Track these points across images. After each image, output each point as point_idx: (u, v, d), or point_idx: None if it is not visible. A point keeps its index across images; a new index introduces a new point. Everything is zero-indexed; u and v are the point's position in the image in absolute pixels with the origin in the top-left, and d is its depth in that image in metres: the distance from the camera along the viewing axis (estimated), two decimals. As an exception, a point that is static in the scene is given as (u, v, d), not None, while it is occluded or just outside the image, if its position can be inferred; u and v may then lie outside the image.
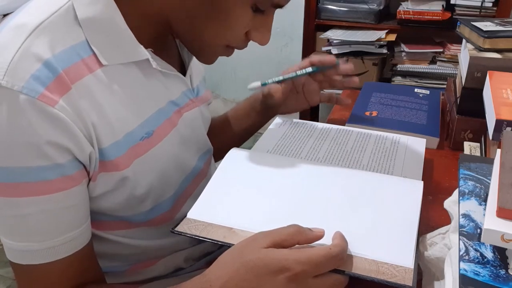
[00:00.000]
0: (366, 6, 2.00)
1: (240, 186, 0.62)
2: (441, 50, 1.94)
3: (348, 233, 0.50)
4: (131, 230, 0.65)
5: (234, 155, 0.68)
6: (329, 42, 2.05)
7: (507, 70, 0.77)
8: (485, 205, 0.43)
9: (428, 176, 0.75)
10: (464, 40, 0.92)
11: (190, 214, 0.57)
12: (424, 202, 0.59)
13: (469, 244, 0.40)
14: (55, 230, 0.53)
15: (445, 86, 1.10)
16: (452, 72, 1.90)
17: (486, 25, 0.86)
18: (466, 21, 0.92)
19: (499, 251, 0.39)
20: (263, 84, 0.82)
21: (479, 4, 1.79)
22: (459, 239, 0.41)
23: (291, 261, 0.46)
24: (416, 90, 1.07)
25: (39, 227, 0.52)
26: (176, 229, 0.55)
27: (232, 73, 2.60)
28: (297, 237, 0.48)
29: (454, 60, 1.90)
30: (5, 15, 0.56)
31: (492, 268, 0.38)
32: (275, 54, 2.49)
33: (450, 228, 0.48)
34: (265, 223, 0.52)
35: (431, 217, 0.65)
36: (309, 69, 0.82)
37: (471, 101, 0.82)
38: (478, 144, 0.78)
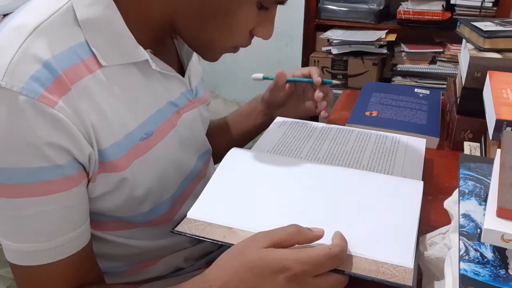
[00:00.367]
0: (366, 6, 2.00)
1: (240, 186, 0.62)
2: (441, 50, 1.94)
3: (348, 233, 0.50)
4: (130, 230, 0.65)
5: (234, 155, 0.68)
6: (329, 42, 2.05)
7: (507, 70, 0.77)
8: (485, 205, 0.43)
9: (428, 176, 0.75)
10: (464, 40, 0.92)
11: (190, 214, 0.57)
12: (424, 202, 0.59)
13: (469, 244, 0.40)
14: (55, 231, 0.53)
15: (445, 86, 1.10)
16: (452, 72, 1.90)
17: (486, 25, 0.86)
18: (466, 21, 0.92)
19: (499, 251, 0.39)
20: (264, 78, 0.86)
21: (479, 4, 1.79)
22: (459, 239, 0.41)
23: (291, 261, 0.46)
24: (416, 90, 1.07)
25: (38, 228, 0.52)
26: (176, 229, 0.55)
27: (232, 73, 2.60)
28: (296, 237, 0.48)
29: (454, 60, 1.90)
30: (5, 15, 0.56)
31: (492, 268, 0.38)
32: (275, 54, 2.49)
33: (450, 228, 0.48)
34: (265, 223, 0.52)
35: (431, 217, 0.65)
36: (310, 79, 0.84)
37: (471, 101, 0.82)
38: (478, 144, 0.78)
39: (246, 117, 0.91)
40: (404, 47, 1.97)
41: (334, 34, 2.00)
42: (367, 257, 0.49)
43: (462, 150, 0.77)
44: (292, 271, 0.46)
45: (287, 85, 0.86)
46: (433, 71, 1.94)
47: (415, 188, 0.60)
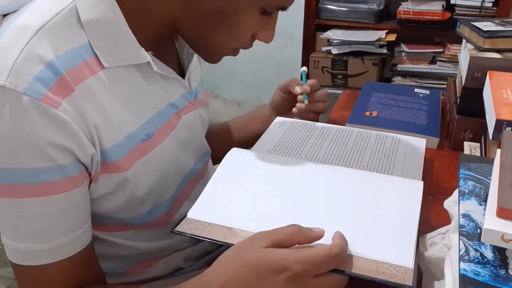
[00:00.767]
0: (366, 6, 2.00)
1: (240, 186, 0.62)
2: (441, 50, 1.94)
3: (348, 233, 0.50)
4: (130, 231, 0.65)
5: (234, 155, 0.68)
6: (329, 42, 2.05)
7: (507, 70, 0.77)
8: (485, 205, 0.43)
9: (428, 176, 0.75)
10: (464, 40, 0.92)
11: (190, 214, 0.57)
12: (424, 202, 0.59)
13: (469, 244, 0.40)
14: (57, 231, 0.53)
15: (445, 86, 1.10)
16: (452, 72, 1.90)
17: (486, 25, 0.86)
18: (466, 21, 0.92)
19: (499, 251, 0.39)
20: (302, 73, 0.92)
21: (479, 4, 1.79)
22: (459, 239, 0.41)
23: (291, 261, 0.46)
24: (416, 90, 1.07)
25: (41, 228, 0.52)
26: (176, 229, 0.55)
27: (232, 73, 2.60)
28: (297, 237, 0.48)
29: (454, 60, 1.90)
30: (5, 15, 0.56)
31: (492, 268, 0.38)
32: (275, 54, 2.49)
33: (450, 228, 0.48)
34: (265, 223, 0.52)
35: (431, 217, 0.65)
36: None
37: (471, 101, 0.82)
38: (478, 144, 0.78)
39: (247, 123, 0.93)
40: (404, 47, 1.97)
41: (334, 34, 2.00)
42: (367, 257, 0.49)
43: (462, 150, 0.78)
44: (292, 271, 0.46)
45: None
46: (433, 71, 1.94)
47: (415, 188, 0.60)
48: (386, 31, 1.97)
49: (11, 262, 0.54)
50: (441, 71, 1.93)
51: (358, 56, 1.98)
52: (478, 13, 1.80)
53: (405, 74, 1.99)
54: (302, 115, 0.89)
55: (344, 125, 0.88)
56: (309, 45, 2.14)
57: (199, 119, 0.72)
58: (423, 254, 0.51)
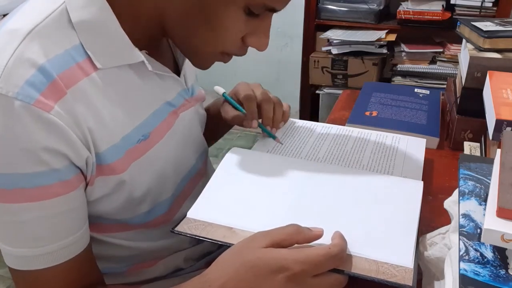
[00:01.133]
0: (366, 6, 2.00)
1: (240, 185, 0.62)
2: (441, 50, 1.94)
3: (347, 232, 0.50)
4: (129, 232, 0.65)
5: (234, 154, 0.68)
6: (329, 42, 2.05)
7: (507, 70, 0.77)
8: (485, 205, 0.43)
9: (428, 176, 0.75)
10: (464, 40, 0.92)
11: (190, 214, 0.57)
12: (424, 202, 0.59)
13: (469, 244, 0.40)
14: (54, 235, 0.52)
15: (445, 86, 1.10)
16: (452, 72, 1.90)
17: (486, 25, 0.86)
18: (466, 21, 0.92)
19: (499, 251, 0.39)
20: (223, 95, 0.80)
21: (479, 4, 1.79)
22: (459, 239, 0.41)
23: (290, 261, 0.46)
24: (416, 90, 1.07)
25: (37, 233, 0.51)
26: (176, 229, 0.55)
27: (232, 73, 2.60)
28: (296, 237, 0.48)
29: (454, 60, 1.90)
30: (5, 15, 0.56)
31: (492, 268, 0.38)
32: (275, 54, 2.49)
33: (450, 228, 0.48)
34: (265, 223, 0.52)
35: (431, 217, 0.65)
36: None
37: (471, 101, 0.82)
38: (478, 144, 0.78)
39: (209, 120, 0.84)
40: (404, 47, 1.98)
41: (334, 34, 2.00)
42: (367, 257, 0.49)
43: (462, 150, 0.77)
44: (291, 270, 0.46)
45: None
46: (433, 71, 1.94)
47: (415, 188, 0.60)
48: (386, 31, 1.98)
49: (9, 267, 0.54)
50: (441, 71, 1.93)
51: (358, 56, 1.98)
52: (478, 13, 1.80)
53: (405, 74, 1.99)
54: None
55: (344, 125, 0.88)
56: (309, 45, 2.15)
57: (197, 117, 0.72)
58: (423, 254, 0.51)
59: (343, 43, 1.98)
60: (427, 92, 1.06)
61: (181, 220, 0.56)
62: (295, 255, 0.46)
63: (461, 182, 0.48)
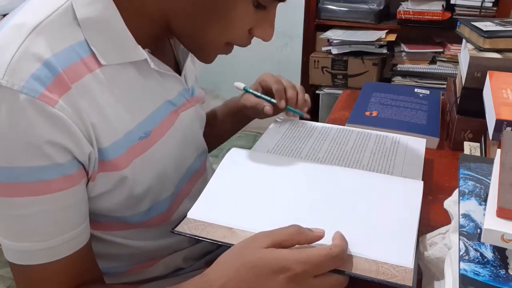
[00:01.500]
0: (366, 6, 2.00)
1: (240, 186, 0.62)
2: (441, 50, 1.94)
3: (348, 233, 0.50)
4: (129, 231, 0.65)
5: (234, 154, 0.68)
6: (329, 42, 2.05)
7: (507, 70, 0.77)
8: (485, 205, 0.43)
9: (428, 176, 0.75)
10: (464, 40, 0.92)
11: (190, 214, 0.57)
12: (424, 202, 0.59)
13: (469, 244, 0.40)
14: (54, 230, 0.53)
15: (445, 86, 1.10)
16: (452, 72, 1.90)
17: (486, 25, 0.86)
18: (466, 21, 0.92)
19: (499, 251, 0.39)
20: (245, 89, 0.86)
21: (479, 4, 1.79)
22: (459, 239, 0.41)
23: (291, 261, 0.46)
24: (416, 90, 1.07)
25: (38, 227, 0.52)
26: (176, 229, 0.55)
27: (232, 73, 2.60)
28: (297, 237, 0.48)
29: (454, 60, 1.90)
30: (4, 15, 0.56)
31: (492, 268, 0.38)
32: (275, 54, 2.50)
33: (450, 228, 0.48)
34: (265, 223, 0.52)
35: (431, 217, 0.65)
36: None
37: (471, 101, 0.82)
38: (478, 144, 0.78)
39: (224, 119, 0.90)
40: (404, 47, 1.98)
41: (334, 34, 2.00)
42: (367, 257, 0.49)
43: (462, 150, 0.78)
44: (292, 271, 0.46)
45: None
46: (433, 71, 1.94)
47: (415, 188, 0.60)
48: (386, 31, 1.98)
49: (9, 262, 0.54)
50: (441, 71, 1.93)
51: (358, 56, 1.98)
52: (478, 13, 1.80)
53: (405, 74, 1.99)
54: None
55: (344, 125, 0.88)
56: (309, 45, 2.15)
57: (197, 117, 0.72)
58: (423, 254, 0.51)
59: (343, 43, 1.98)
60: (427, 92, 1.06)
61: (181, 220, 0.56)
62: (296, 255, 0.46)
63: (461, 182, 0.48)
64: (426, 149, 0.77)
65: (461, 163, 0.52)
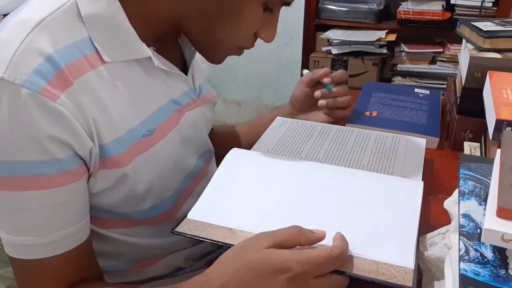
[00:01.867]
0: (366, 6, 2.00)
1: (240, 186, 0.62)
2: (441, 50, 1.94)
3: (348, 233, 0.50)
4: (131, 228, 0.65)
5: (234, 155, 0.68)
6: (329, 42, 2.05)
7: (507, 70, 0.77)
8: (485, 205, 0.43)
9: (428, 176, 0.75)
10: (464, 40, 0.92)
11: (190, 215, 0.57)
12: (424, 202, 0.59)
13: (469, 244, 0.40)
14: (55, 225, 0.53)
15: (445, 86, 1.10)
16: (452, 72, 1.90)
17: (486, 25, 0.86)
18: (466, 21, 0.92)
19: (499, 251, 0.39)
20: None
21: (479, 4, 1.79)
22: (459, 239, 0.41)
23: (292, 262, 0.46)
24: (416, 90, 1.07)
25: (38, 222, 0.52)
26: (176, 229, 0.55)
27: (232, 73, 2.60)
28: (298, 238, 0.48)
29: (454, 60, 1.90)
30: (5, 15, 0.56)
31: (492, 268, 0.38)
32: (275, 54, 2.49)
33: (450, 228, 0.48)
34: (266, 224, 0.52)
35: (431, 217, 0.65)
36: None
37: (471, 101, 0.82)
38: (478, 144, 0.78)
39: (258, 127, 0.89)
40: (404, 47, 1.97)
41: (334, 34, 2.00)
42: (367, 258, 0.49)
43: (462, 150, 0.77)
44: (293, 271, 0.46)
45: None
46: (433, 71, 1.94)
47: (415, 188, 0.60)
48: (386, 31, 1.98)
49: (9, 257, 0.54)
50: (441, 71, 1.93)
51: (358, 56, 1.98)
52: (478, 13, 1.80)
53: (405, 74, 1.99)
54: (329, 109, 0.86)
55: (344, 125, 0.88)
56: (309, 45, 2.15)
57: (202, 117, 0.72)
58: (423, 254, 0.51)
59: (343, 43, 1.98)
60: (427, 92, 1.06)
61: (181, 221, 0.56)
62: (297, 256, 0.46)
63: (461, 182, 0.48)
64: (426, 149, 0.77)
65: (461, 163, 0.52)
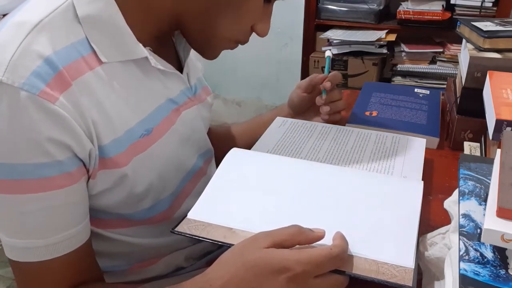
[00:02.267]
0: (366, 6, 2.00)
1: (240, 186, 0.62)
2: (441, 50, 1.94)
3: (348, 233, 0.50)
4: (131, 228, 0.65)
5: (234, 155, 0.68)
6: (329, 42, 2.05)
7: (507, 70, 0.77)
8: (485, 205, 0.43)
9: (428, 176, 0.75)
10: (464, 40, 0.92)
11: (190, 214, 0.57)
12: (424, 202, 0.59)
13: (469, 244, 0.40)
14: (55, 227, 0.53)
15: (445, 86, 1.10)
16: (452, 72, 1.90)
17: (486, 25, 0.86)
18: (466, 21, 0.92)
19: (499, 251, 0.39)
20: (327, 58, 0.88)
21: (479, 4, 1.79)
22: (459, 239, 0.41)
23: (292, 261, 0.46)
24: (416, 90, 1.07)
25: (38, 224, 0.52)
26: (176, 229, 0.55)
27: (232, 73, 2.60)
28: (298, 238, 0.48)
29: (454, 60, 1.90)
30: (4, 15, 0.56)
31: (492, 268, 0.38)
32: (275, 54, 2.49)
33: (450, 228, 0.48)
34: (266, 223, 0.52)
35: (431, 217, 0.65)
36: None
37: (471, 101, 0.82)
38: (478, 144, 0.78)
39: (257, 127, 0.90)
40: (404, 47, 1.98)
41: (334, 34, 2.00)
42: (367, 258, 0.49)
43: (462, 150, 0.77)
44: (293, 271, 0.46)
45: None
46: (433, 71, 1.94)
47: (415, 188, 0.60)
48: (386, 31, 1.98)
49: (9, 260, 0.54)
50: (441, 71, 1.93)
51: (358, 56, 1.98)
52: (478, 13, 1.80)
53: (405, 74, 1.99)
54: (327, 115, 0.86)
55: (344, 125, 0.88)
56: (309, 45, 2.15)
57: (200, 116, 0.72)
58: (423, 254, 0.51)
59: (343, 43, 1.98)
60: (427, 92, 1.06)
61: (181, 220, 0.56)
62: (297, 255, 0.46)
63: (461, 182, 0.48)
64: (426, 149, 0.77)
65: (461, 163, 0.52)
